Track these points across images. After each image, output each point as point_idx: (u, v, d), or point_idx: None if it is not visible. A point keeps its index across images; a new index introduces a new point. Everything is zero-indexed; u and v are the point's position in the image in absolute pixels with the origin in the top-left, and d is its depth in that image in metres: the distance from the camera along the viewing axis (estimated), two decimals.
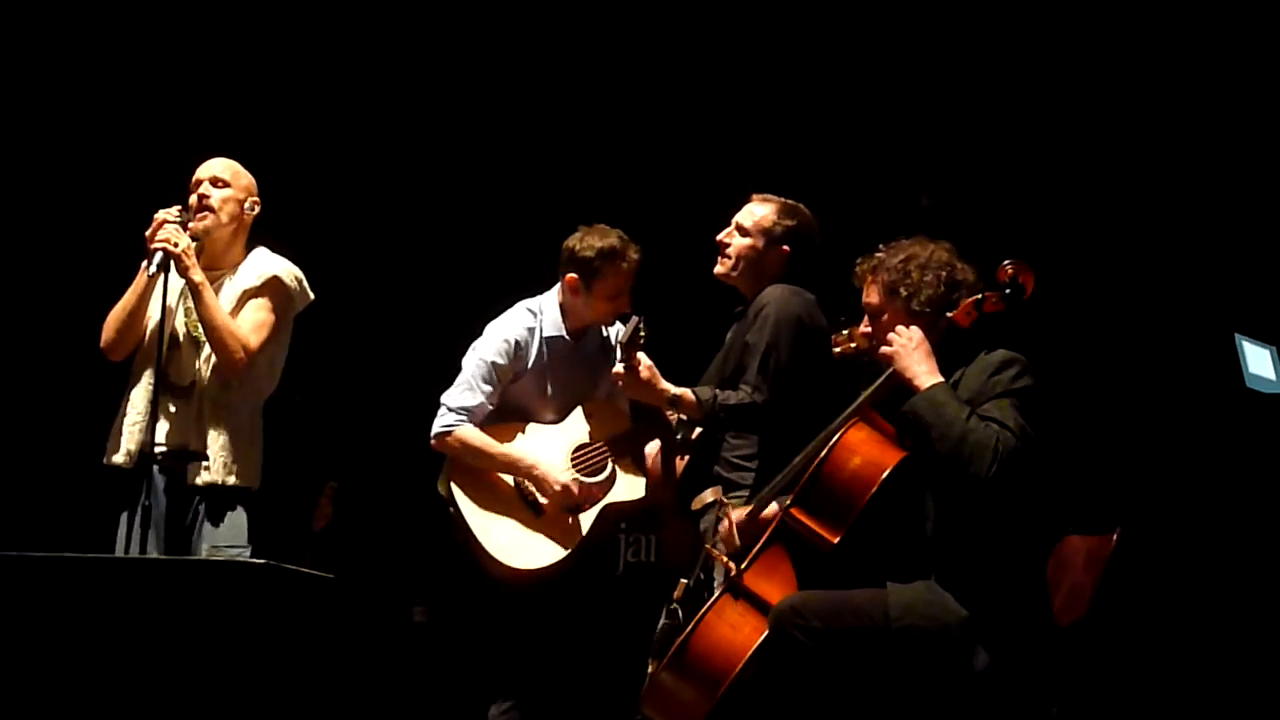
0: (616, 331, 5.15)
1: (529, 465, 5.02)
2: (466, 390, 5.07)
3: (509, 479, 5.04)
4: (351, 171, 6.71)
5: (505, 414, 5.13)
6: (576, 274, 5.07)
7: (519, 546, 4.98)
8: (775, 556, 4.01)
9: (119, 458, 4.62)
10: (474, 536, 4.98)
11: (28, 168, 6.48)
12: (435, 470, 5.19)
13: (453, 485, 5.06)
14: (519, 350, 5.10)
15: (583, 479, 5.02)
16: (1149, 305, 6.03)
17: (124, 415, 4.66)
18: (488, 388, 5.07)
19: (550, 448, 5.07)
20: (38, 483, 6.20)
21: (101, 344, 4.71)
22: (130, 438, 4.61)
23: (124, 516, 4.56)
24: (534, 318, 5.17)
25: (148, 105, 6.51)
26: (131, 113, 6.51)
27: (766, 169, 5.12)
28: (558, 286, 5.17)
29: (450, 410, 5.05)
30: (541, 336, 5.14)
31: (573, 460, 5.06)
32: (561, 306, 5.16)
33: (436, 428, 5.06)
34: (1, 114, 6.45)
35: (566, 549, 4.98)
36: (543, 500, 5.01)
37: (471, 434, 5.03)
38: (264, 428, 4.78)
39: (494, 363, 5.08)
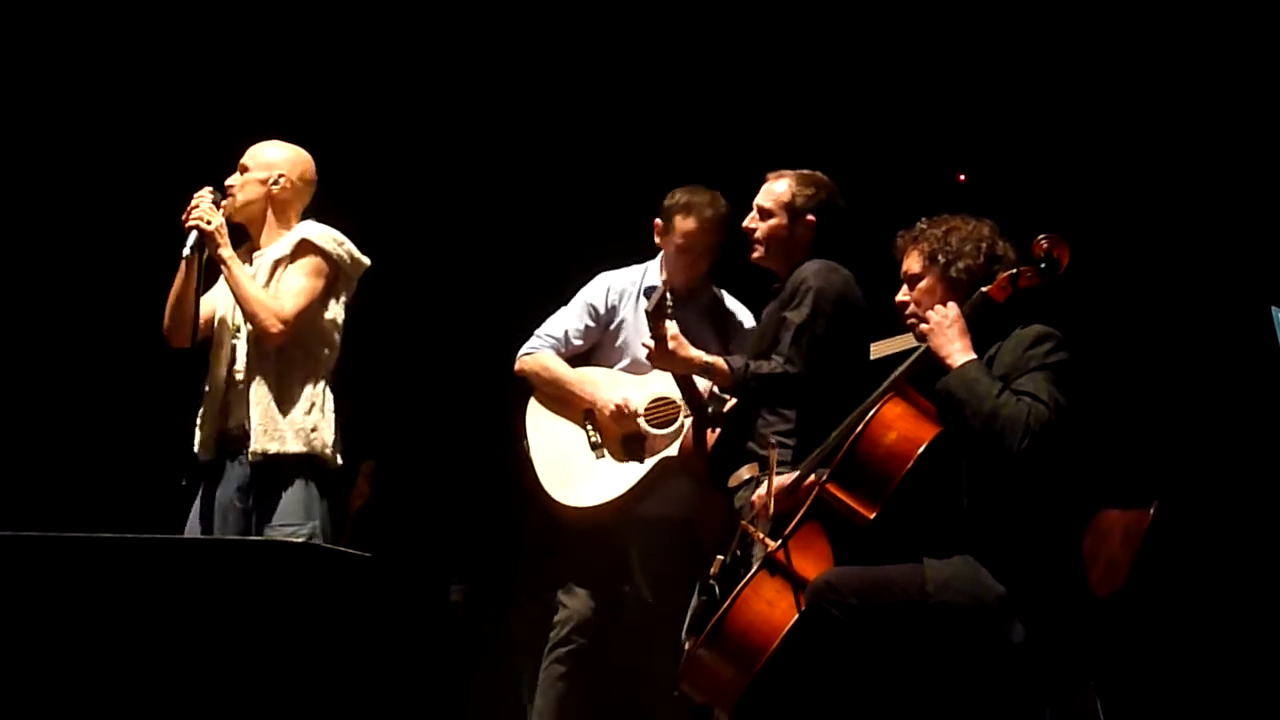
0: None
1: (590, 393, 5.17)
2: (555, 319, 5.31)
3: (578, 418, 5.18)
4: (400, 147, 6.71)
5: (606, 362, 5.29)
6: (661, 220, 5.20)
7: (572, 483, 5.11)
8: (811, 532, 4.01)
9: (196, 448, 4.68)
10: (533, 469, 5.13)
11: (128, 158, 6.49)
12: (475, 447, 5.22)
13: (526, 415, 5.23)
14: (616, 296, 5.28)
15: (650, 428, 5.10)
16: (1185, 278, 6.00)
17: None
18: (576, 322, 5.28)
19: (628, 392, 5.15)
20: (151, 475, 6.21)
21: (162, 330, 4.74)
22: (199, 426, 4.68)
23: (195, 505, 4.64)
24: (641, 273, 5.33)
25: (227, 93, 6.50)
26: (214, 101, 6.50)
27: (801, 148, 5.10)
28: None
29: (535, 335, 5.28)
30: (641, 288, 5.27)
31: (647, 409, 5.12)
32: (661, 263, 5.29)
33: (520, 351, 5.28)
34: (106, 110, 6.48)
35: (617, 491, 5.07)
36: (600, 436, 5.13)
37: (547, 357, 5.25)
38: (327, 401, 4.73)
39: (588, 301, 5.30)
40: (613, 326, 5.29)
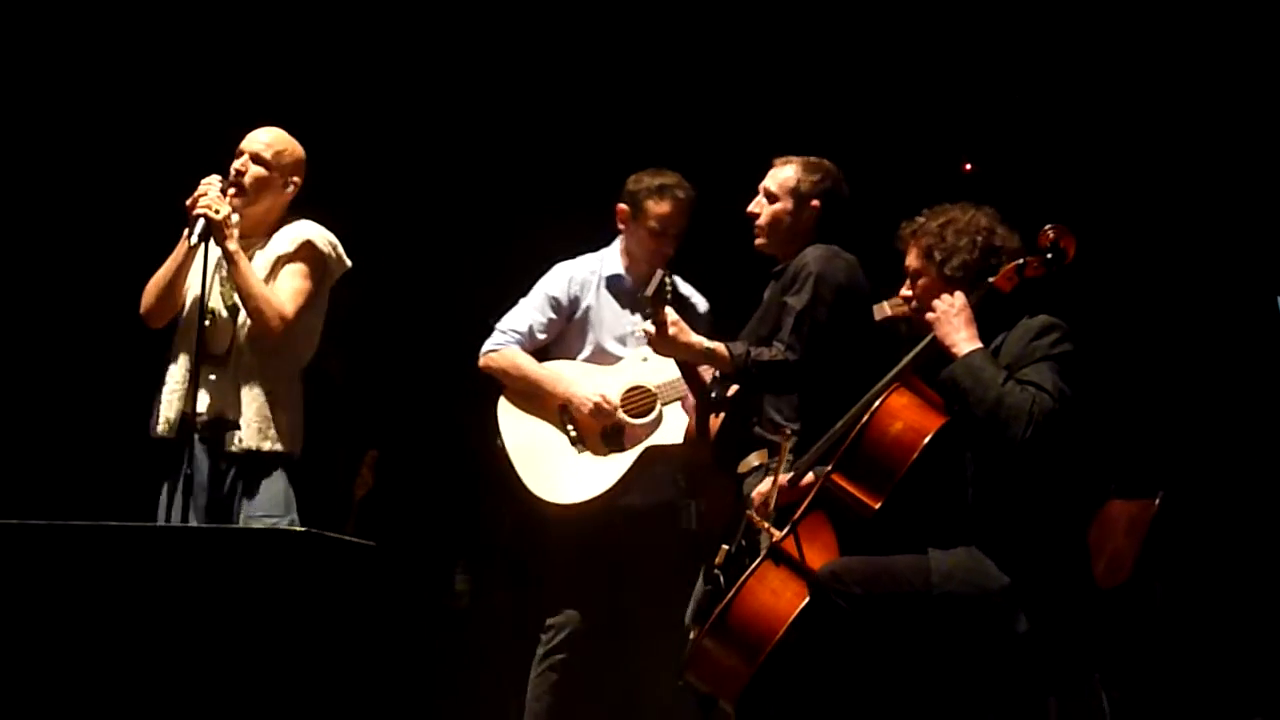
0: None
1: (564, 389, 5.10)
2: (517, 313, 5.25)
3: (553, 413, 5.12)
4: (392, 136, 6.70)
5: (569, 353, 5.23)
6: (626, 205, 5.17)
7: (556, 481, 5.05)
8: (816, 522, 4.00)
9: (160, 428, 4.65)
10: (513, 469, 5.07)
11: (81, 138, 6.47)
12: (476, 437, 5.20)
13: (499, 413, 5.16)
14: (578, 287, 5.24)
15: (628, 419, 5.07)
16: (1191, 269, 6.00)
17: (165, 386, 4.68)
18: (538, 315, 5.22)
19: (601, 385, 5.11)
20: (88, 454, 6.21)
21: (141, 311, 4.74)
22: (169, 406, 4.63)
23: (165, 487, 4.59)
24: (599, 261, 5.29)
25: (194, 74, 6.49)
26: (178, 81, 6.49)
27: (808, 135, 5.09)
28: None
29: (498, 330, 5.22)
30: (602, 276, 5.25)
31: (623, 400, 5.10)
32: (621, 250, 5.27)
33: (484, 347, 5.21)
34: (49, 84, 6.45)
35: (603, 486, 5.03)
36: (578, 431, 5.08)
37: (514, 353, 5.18)
38: (305, 396, 4.77)
39: (548, 293, 5.25)
40: (576, 317, 5.24)
